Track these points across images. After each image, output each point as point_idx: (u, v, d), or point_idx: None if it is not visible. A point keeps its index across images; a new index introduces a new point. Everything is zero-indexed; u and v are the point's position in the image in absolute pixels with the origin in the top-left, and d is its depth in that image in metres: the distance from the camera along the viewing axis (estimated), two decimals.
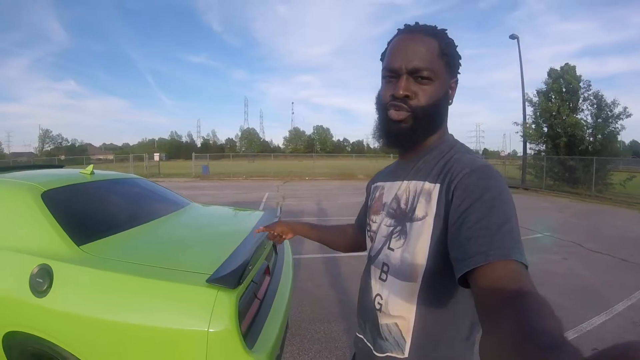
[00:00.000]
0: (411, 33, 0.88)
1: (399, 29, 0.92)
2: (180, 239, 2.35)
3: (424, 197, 0.83)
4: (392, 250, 0.88)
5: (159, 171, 27.06)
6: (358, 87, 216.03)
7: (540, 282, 4.42)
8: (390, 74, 0.87)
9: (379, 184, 1.06)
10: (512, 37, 18.71)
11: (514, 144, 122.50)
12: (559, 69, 18.39)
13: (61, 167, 3.60)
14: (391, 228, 0.90)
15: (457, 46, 0.90)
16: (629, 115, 16.48)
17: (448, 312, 0.84)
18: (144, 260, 1.79)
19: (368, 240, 1.03)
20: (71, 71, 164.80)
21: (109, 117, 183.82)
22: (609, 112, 16.83)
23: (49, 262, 1.76)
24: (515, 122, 19.48)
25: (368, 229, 1.04)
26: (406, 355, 0.86)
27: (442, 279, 0.80)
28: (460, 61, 0.91)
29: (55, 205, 2.10)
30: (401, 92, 0.84)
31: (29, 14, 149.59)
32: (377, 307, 0.91)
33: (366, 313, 0.97)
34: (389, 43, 0.92)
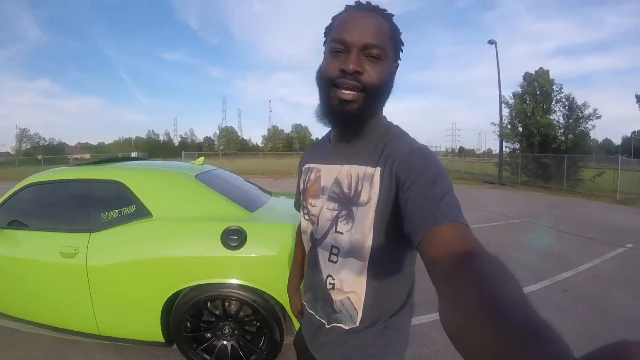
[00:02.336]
0: (365, 10, 0.85)
1: (347, 5, 0.88)
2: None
3: (367, 181, 0.85)
4: (341, 233, 0.89)
5: None
6: None
7: (522, 253, 5.61)
8: (340, 47, 0.83)
9: (312, 165, 1.03)
10: (491, 42, 19.71)
11: (489, 142, 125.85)
12: (533, 72, 19.70)
13: (143, 158, 3.89)
14: (336, 212, 0.91)
15: (401, 33, 0.90)
16: (598, 117, 17.93)
17: (393, 281, 0.90)
18: (287, 219, 2.44)
19: (307, 222, 1.03)
20: (45, 70, 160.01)
21: (84, 115, 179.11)
22: (579, 113, 18.22)
23: (239, 223, 2.32)
24: (492, 122, 20.63)
25: (305, 212, 1.03)
26: (357, 324, 0.91)
27: (387, 254, 0.86)
28: (402, 48, 0.91)
29: (209, 185, 2.67)
30: (352, 67, 0.80)
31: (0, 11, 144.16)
32: (329, 287, 0.94)
33: (317, 292, 0.99)
34: (334, 18, 0.89)
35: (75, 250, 2.45)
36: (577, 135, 18.37)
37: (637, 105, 16.43)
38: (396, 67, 0.90)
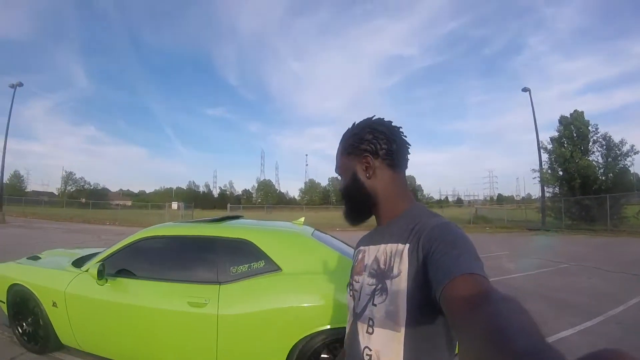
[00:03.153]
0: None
1: None
2: None
3: (398, 256, 0.93)
4: (376, 305, 0.95)
5: (192, 219, 26.90)
6: None
7: (573, 294, 6.08)
8: None
9: (361, 247, 1.13)
10: (525, 89, 20.44)
11: (528, 187, 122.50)
12: (568, 115, 20.21)
13: (240, 217, 4.14)
14: (373, 287, 0.97)
15: (360, 133, 1.05)
16: (636, 152, 18.17)
17: (431, 352, 0.92)
18: None
19: (350, 299, 1.10)
20: (91, 117, 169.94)
21: (127, 163, 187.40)
22: (617, 151, 18.50)
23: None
24: (533, 169, 21.06)
25: (350, 288, 1.10)
26: None
27: (423, 326, 0.89)
28: (367, 142, 1.04)
29: (322, 242, 3.07)
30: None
31: (55, 59, 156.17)
32: (367, 358, 0.96)
33: None
34: None
35: (205, 301, 2.63)
36: (617, 173, 18.53)
37: None
38: (367, 158, 1.03)
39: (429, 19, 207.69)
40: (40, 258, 3.91)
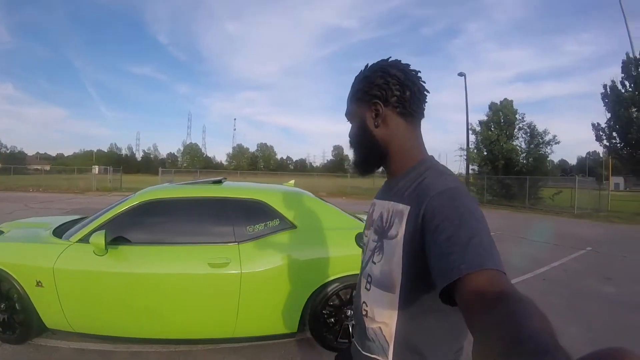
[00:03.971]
0: None
1: None
2: None
3: (397, 217, 0.88)
4: (375, 263, 0.93)
5: (120, 185, 25.84)
6: (303, 106, 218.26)
7: (507, 258, 7.11)
8: None
9: (374, 200, 1.09)
10: (460, 74, 21.72)
11: (449, 164, 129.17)
12: (498, 103, 22.10)
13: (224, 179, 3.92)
14: (375, 243, 0.96)
15: (371, 76, 0.95)
16: (557, 142, 20.55)
17: (430, 327, 0.87)
18: None
19: (362, 253, 1.09)
20: (9, 74, 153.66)
21: (44, 125, 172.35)
22: (540, 139, 20.71)
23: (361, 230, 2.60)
24: (460, 147, 22.72)
25: (362, 241, 1.11)
26: (390, 359, 0.90)
27: (419, 294, 0.84)
28: (377, 87, 0.94)
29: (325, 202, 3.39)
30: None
31: None
32: (364, 313, 0.96)
33: (356, 317, 1.03)
34: None
35: (226, 260, 2.69)
36: (537, 158, 20.79)
37: (593, 133, 18.73)
38: (375, 106, 0.94)
39: None
40: (2, 232, 3.40)
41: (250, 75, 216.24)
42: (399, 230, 0.85)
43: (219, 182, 3.37)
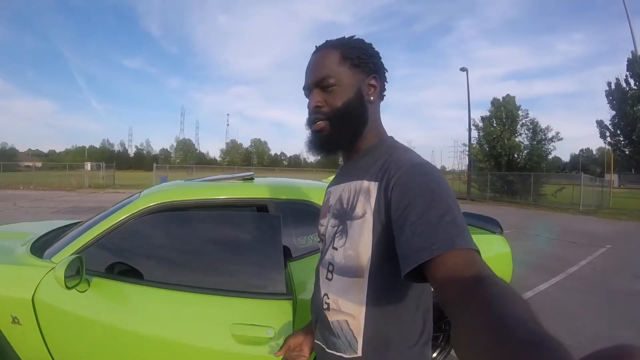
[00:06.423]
0: (316, 51, 0.93)
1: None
2: None
3: (363, 195, 0.83)
4: (336, 249, 0.88)
5: (113, 182, 25.34)
6: (295, 100, 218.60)
7: (531, 258, 6.87)
8: (306, 92, 0.93)
9: (328, 189, 1.04)
10: (462, 69, 21.55)
11: (444, 160, 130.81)
12: (501, 99, 21.88)
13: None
14: (334, 228, 0.90)
15: (365, 47, 0.91)
16: (560, 139, 20.41)
17: (398, 313, 0.83)
18: None
19: (319, 243, 1.02)
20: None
21: (35, 120, 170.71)
22: (543, 136, 20.59)
23: None
24: (463, 143, 22.56)
25: (318, 233, 1.03)
26: (359, 354, 0.84)
27: (389, 276, 0.79)
28: (374, 60, 0.91)
29: None
30: (312, 104, 0.89)
31: None
32: (325, 306, 0.90)
33: (316, 313, 0.96)
34: None
35: (268, 332, 1.52)
36: (540, 155, 20.63)
37: (597, 129, 18.82)
38: (375, 79, 0.90)
39: None
40: None
41: (243, 70, 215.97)
42: (366, 208, 0.81)
43: (251, 179, 2.31)
